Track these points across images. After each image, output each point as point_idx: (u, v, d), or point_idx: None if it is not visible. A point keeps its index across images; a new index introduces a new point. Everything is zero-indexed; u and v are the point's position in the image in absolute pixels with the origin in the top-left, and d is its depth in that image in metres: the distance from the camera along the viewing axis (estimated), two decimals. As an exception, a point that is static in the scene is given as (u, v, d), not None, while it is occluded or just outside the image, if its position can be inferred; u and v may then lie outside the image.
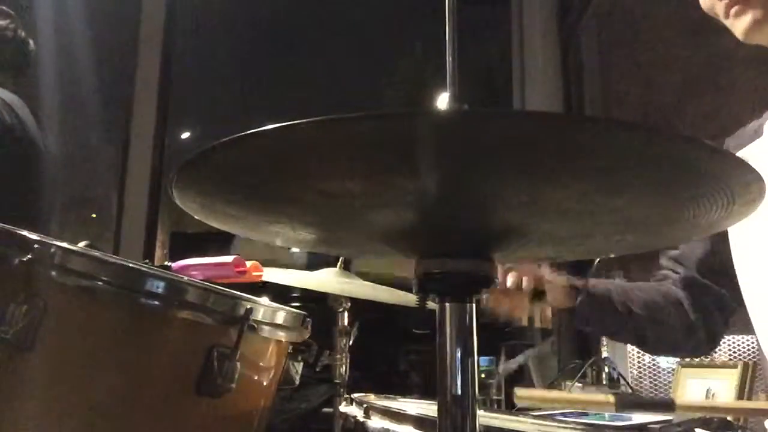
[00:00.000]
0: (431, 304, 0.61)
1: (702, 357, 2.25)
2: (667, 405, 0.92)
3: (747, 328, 1.12)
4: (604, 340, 2.50)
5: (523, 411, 1.22)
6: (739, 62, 2.52)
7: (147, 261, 1.28)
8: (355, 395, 1.09)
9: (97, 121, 4.16)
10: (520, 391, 0.97)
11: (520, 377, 2.95)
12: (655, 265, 1.35)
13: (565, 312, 1.21)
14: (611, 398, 0.92)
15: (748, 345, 2.09)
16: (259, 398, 0.97)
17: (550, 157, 0.46)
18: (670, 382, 2.26)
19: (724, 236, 1.22)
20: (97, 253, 0.83)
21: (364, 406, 0.96)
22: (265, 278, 1.26)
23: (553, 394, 1.04)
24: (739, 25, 1.03)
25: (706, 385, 1.39)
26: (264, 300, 0.94)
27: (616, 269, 2.60)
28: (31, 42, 1.90)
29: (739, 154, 1.17)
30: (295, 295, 2.06)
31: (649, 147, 0.44)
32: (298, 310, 1.00)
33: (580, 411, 1.19)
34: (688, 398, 1.51)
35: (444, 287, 0.60)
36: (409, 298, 1.35)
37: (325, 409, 2.53)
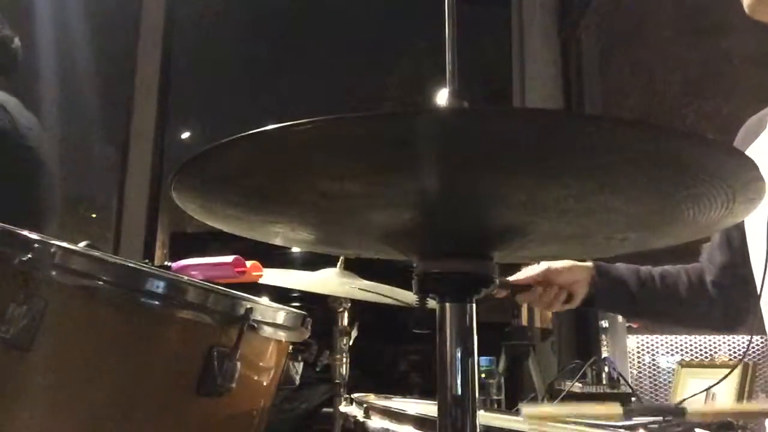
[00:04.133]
0: (431, 304, 0.61)
1: (703, 358, 2.25)
2: (679, 412, 0.92)
3: (748, 328, 1.12)
4: (604, 340, 2.50)
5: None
6: (740, 62, 2.52)
7: (147, 261, 1.28)
8: (355, 395, 1.09)
9: (97, 121, 4.16)
10: (528, 410, 0.97)
11: (520, 377, 2.95)
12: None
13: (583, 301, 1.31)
14: (618, 409, 0.92)
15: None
16: (259, 398, 0.97)
17: (549, 156, 0.46)
18: (670, 382, 2.27)
19: (743, 242, 1.22)
20: (97, 253, 0.83)
21: (364, 406, 0.96)
22: (264, 279, 1.26)
23: (560, 411, 1.04)
24: (745, 1, 1.10)
25: (706, 385, 1.39)
26: (264, 300, 0.93)
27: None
28: (15, 40, 1.86)
29: (747, 152, 1.17)
30: (295, 295, 2.06)
31: (648, 144, 0.44)
32: (298, 310, 1.00)
33: (580, 411, 1.19)
34: (688, 399, 1.51)
35: (444, 287, 0.59)
36: (409, 298, 1.35)
37: (325, 409, 2.53)
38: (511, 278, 1.29)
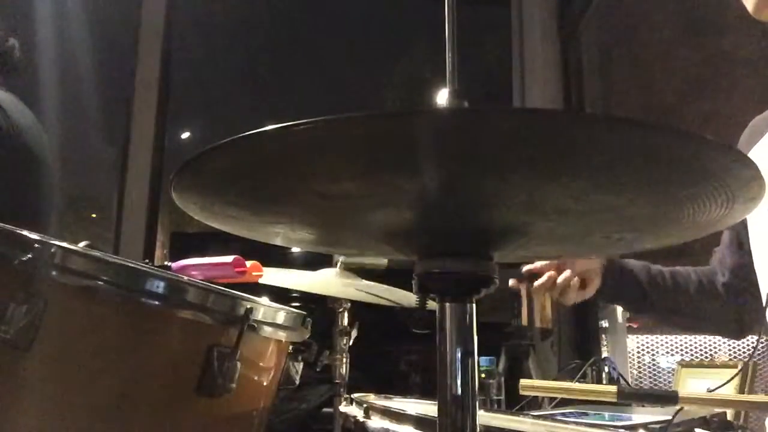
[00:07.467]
0: (431, 304, 0.61)
1: (703, 358, 2.25)
2: (671, 397, 0.92)
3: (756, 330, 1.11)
4: (604, 340, 2.50)
5: (523, 411, 1.22)
6: (740, 63, 2.52)
7: (147, 261, 1.28)
8: (355, 395, 1.09)
9: (97, 121, 4.16)
10: (524, 382, 0.99)
11: (520, 377, 2.94)
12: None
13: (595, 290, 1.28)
14: (613, 389, 0.93)
15: (748, 345, 2.09)
16: (259, 398, 0.97)
17: (549, 156, 0.46)
18: (670, 382, 2.26)
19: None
20: (97, 253, 0.83)
21: (364, 406, 0.96)
22: (264, 279, 1.26)
23: (556, 384, 1.05)
24: (749, 2, 1.09)
25: (706, 386, 1.40)
26: (264, 300, 0.94)
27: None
28: (11, 39, 1.84)
29: (752, 150, 1.17)
30: (295, 295, 2.06)
31: (648, 143, 0.44)
32: (298, 310, 1.00)
33: (580, 411, 1.19)
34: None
35: (444, 287, 0.59)
36: (410, 298, 1.35)
37: (325, 409, 2.53)
38: (524, 268, 1.28)
